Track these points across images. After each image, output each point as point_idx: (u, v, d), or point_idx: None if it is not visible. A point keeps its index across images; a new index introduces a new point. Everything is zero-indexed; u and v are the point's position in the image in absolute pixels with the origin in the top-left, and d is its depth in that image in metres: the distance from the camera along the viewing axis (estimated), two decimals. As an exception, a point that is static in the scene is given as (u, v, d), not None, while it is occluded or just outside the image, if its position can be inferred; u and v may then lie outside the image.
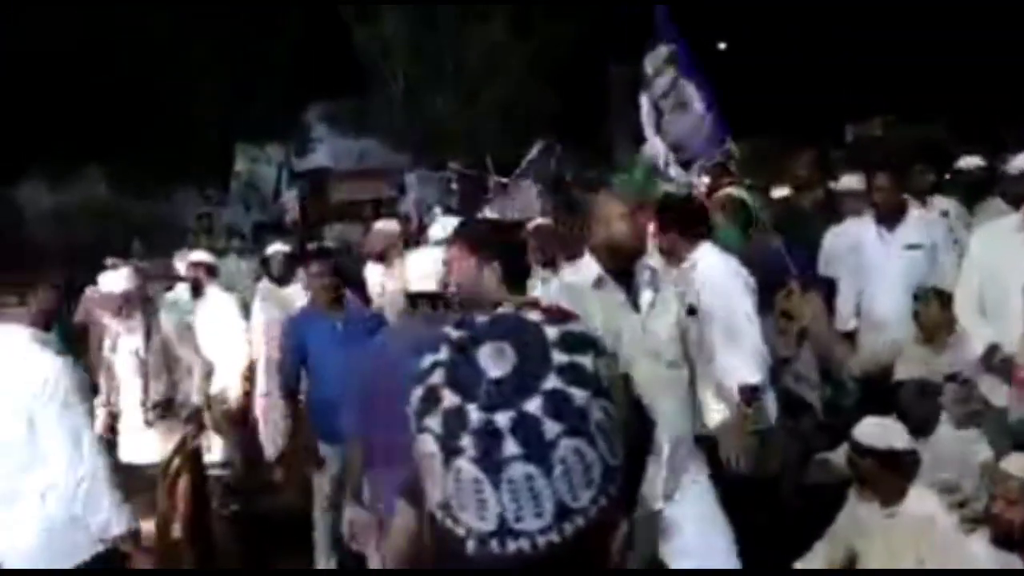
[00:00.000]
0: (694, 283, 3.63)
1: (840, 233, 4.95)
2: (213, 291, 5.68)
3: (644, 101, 4.76)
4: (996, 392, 3.38)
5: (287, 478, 5.47)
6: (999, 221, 3.91)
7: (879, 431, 3.28)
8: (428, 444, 0.80)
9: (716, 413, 3.46)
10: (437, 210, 11.83)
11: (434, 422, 0.80)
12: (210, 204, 14.33)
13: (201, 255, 5.88)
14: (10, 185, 14.14)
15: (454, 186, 16.68)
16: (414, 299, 3.03)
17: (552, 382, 0.78)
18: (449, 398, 0.79)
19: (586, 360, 0.80)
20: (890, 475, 3.20)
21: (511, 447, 0.77)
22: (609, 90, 17.75)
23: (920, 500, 3.18)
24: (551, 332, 0.81)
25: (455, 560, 0.80)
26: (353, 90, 16.49)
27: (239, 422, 5.27)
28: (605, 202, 2.97)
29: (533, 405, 0.77)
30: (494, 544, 0.78)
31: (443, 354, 0.82)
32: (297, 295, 6.06)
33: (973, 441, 3.58)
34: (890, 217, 4.47)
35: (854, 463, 3.30)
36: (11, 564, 2.62)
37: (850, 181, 5.11)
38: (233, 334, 5.29)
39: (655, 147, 4.69)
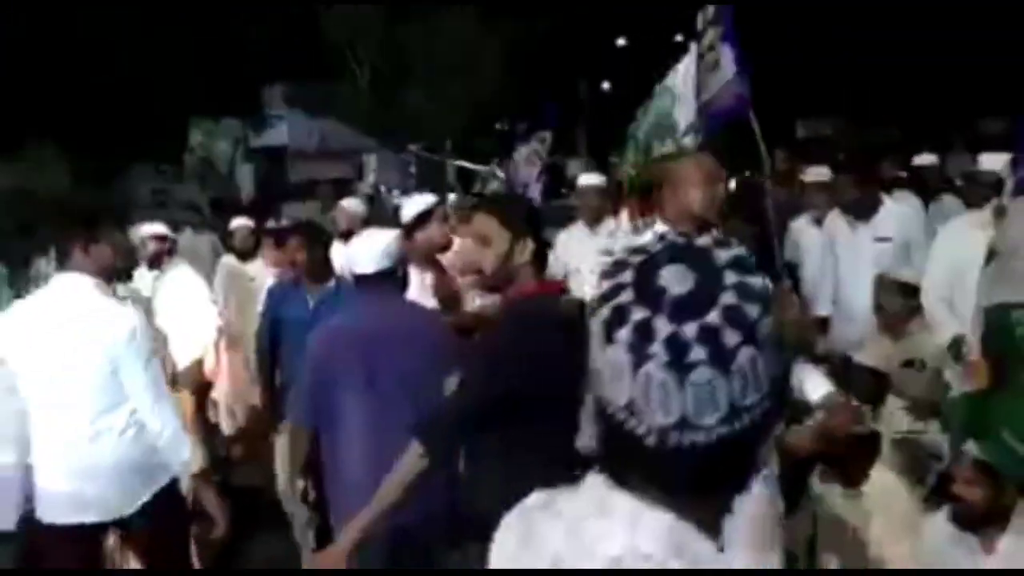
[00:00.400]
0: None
1: (812, 223, 5.10)
2: (174, 266, 5.58)
3: (692, 48, 4.69)
4: (962, 382, 3.50)
5: (246, 453, 5.43)
6: (964, 217, 4.04)
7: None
8: (618, 353, 0.92)
9: None
10: (395, 192, 11.80)
11: (624, 334, 0.92)
12: (165, 180, 14.06)
13: (159, 227, 5.71)
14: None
15: (412, 169, 16.65)
16: (360, 280, 3.09)
17: (728, 298, 0.91)
18: (638, 313, 0.92)
19: (755, 281, 0.93)
20: (858, 456, 3.32)
21: (697, 353, 0.89)
22: (578, 97, 17.91)
23: (881, 479, 3.31)
24: (722, 256, 0.94)
25: (632, 455, 0.94)
26: (317, 73, 16.34)
27: (202, 401, 5.21)
28: (680, 169, 2.81)
29: (713, 317, 0.90)
30: (674, 436, 0.92)
31: (627, 276, 0.94)
32: (259, 271, 6.00)
33: (923, 428, 3.73)
34: (861, 210, 4.57)
35: (824, 445, 3.40)
36: (89, 498, 2.90)
37: (819, 173, 5.24)
38: (199, 309, 5.20)
39: (687, 103, 4.63)
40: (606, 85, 29.43)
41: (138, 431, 2.94)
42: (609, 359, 0.93)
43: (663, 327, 0.90)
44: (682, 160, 2.92)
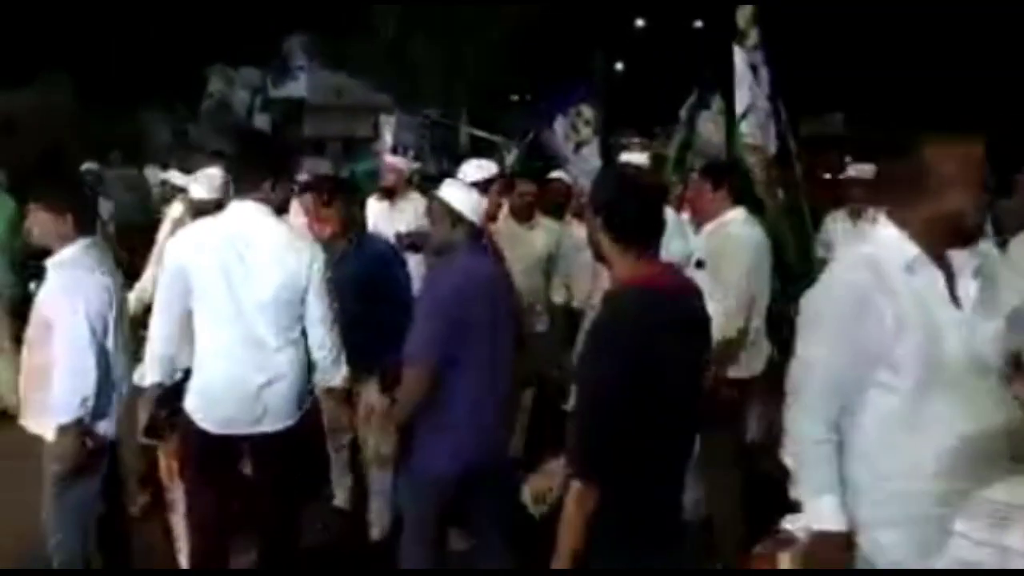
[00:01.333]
0: (714, 244, 3.90)
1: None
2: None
3: (737, 52, 4.81)
4: None
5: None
6: None
7: None
8: None
9: None
10: (410, 154, 11.88)
11: None
12: (178, 122, 14.09)
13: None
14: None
15: (427, 134, 16.71)
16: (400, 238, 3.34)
17: None
18: None
19: None
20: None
21: None
22: (592, 70, 17.86)
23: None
24: None
25: None
26: (340, 26, 16.31)
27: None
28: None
29: None
30: None
31: None
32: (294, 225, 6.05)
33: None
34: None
35: None
36: (268, 400, 3.18)
37: (862, 170, 5.31)
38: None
39: (744, 96, 4.75)
40: (619, 66, 29.41)
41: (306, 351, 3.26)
42: None
43: None
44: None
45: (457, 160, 7.69)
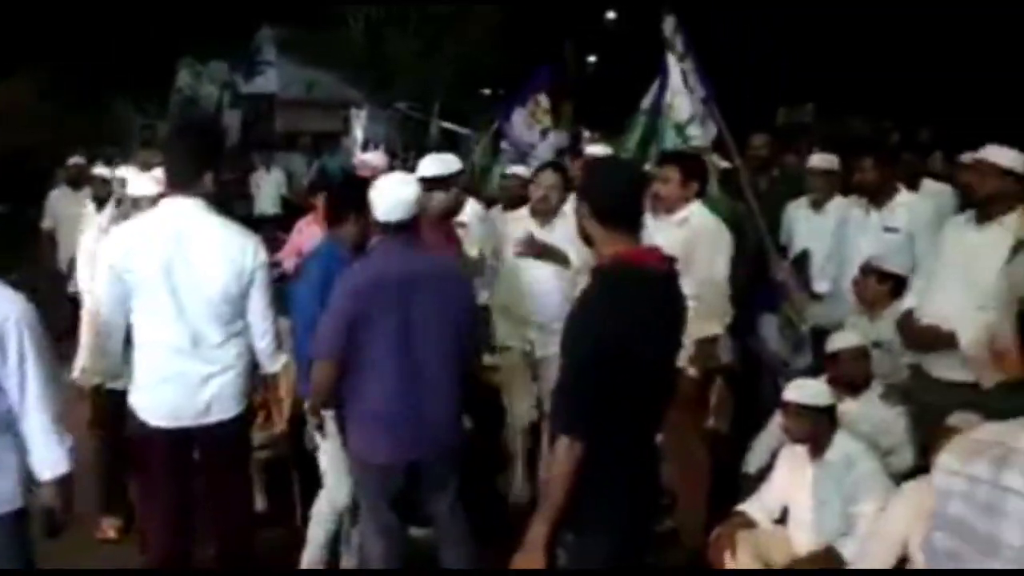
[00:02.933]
0: (680, 237, 3.97)
1: (810, 207, 5.29)
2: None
3: (669, 58, 4.95)
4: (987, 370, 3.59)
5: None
6: (957, 217, 4.10)
7: (811, 390, 3.70)
8: None
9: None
10: (381, 148, 11.86)
11: None
12: (147, 118, 13.94)
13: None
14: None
15: (398, 128, 16.70)
16: (385, 227, 3.29)
17: None
18: None
19: None
20: (822, 428, 3.63)
21: None
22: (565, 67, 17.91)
23: (843, 444, 3.60)
24: None
25: None
26: (311, 19, 16.15)
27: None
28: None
29: None
30: None
31: None
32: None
33: (896, 405, 4.03)
34: (878, 197, 4.66)
35: (790, 421, 3.69)
36: (213, 393, 3.25)
37: (826, 160, 5.43)
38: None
39: (684, 103, 4.89)
40: (592, 58, 29.49)
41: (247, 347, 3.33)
42: None
43: None
44: None
45: (425, 154, 7.71)
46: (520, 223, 4.80)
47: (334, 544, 3.87)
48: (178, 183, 3.20)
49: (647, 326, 2.48)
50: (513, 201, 5.47)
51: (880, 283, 4.38)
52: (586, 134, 11.39)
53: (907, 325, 3.92)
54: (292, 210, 9.54)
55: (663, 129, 5.10)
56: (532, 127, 7.09)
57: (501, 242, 4.89)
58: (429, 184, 4.06)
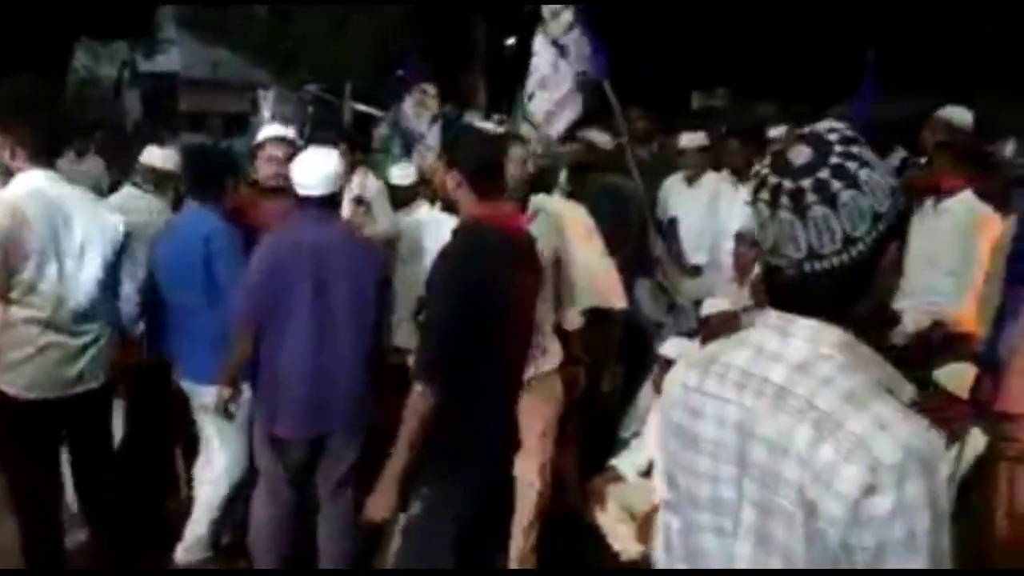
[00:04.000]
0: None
1: (685, 182, 5.46)
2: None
3: (540, 38, 4.87)
4: None
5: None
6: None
7: (680, 346, 3.85)
8: (761, 208, 1.29)
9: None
10: (291, 129, 11.60)
11: (764, 195, 1.29)
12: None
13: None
14: None
15: (310, 109, 16.32)
16: (306, 201, 3.31)
17: (835, 160, 1.25)
18: (771, 179, 1.28)
19: (856, 148, 1.27)
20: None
21: (811, 197, 1.23)
22: (473, 42, 17.77)
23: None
24: (832, 135, 1.28)
25: (782, 289, 1.29)
26: (214, -5, 15.64)
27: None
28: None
29: (824, 173, 1.24)
30: (806, 266, 1.26)
31: (766, 163, 1.31)
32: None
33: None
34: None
35: (661, 376, 3.71)
36: (84, 363, 3.28)
37: (695, 139, 5.53)
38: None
39: (535, 82, 4.83)
40: (511, 41, 29.39)
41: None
42: (757, 214, 1.30)
43: (788, 184, 1.26)
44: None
45: (340, 134, 7.53)
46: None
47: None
48: (38, 160, 3.21)
49: (503, 283, 2.63)
50: (407, 200, 5.44)
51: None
52: (495, 117, 11.32)
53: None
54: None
55: (516, 117, 5.09)
56: (421, 115, 7.05)
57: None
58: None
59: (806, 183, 1.25)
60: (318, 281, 3.21)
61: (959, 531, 3.02)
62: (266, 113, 12.91)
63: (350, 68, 14.82)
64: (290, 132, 5.72)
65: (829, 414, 1.21)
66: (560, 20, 4.81)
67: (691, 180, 5.46)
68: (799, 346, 1.27)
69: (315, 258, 3.21)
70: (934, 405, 3.06)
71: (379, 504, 2.59)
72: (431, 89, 7.12)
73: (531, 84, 4.91)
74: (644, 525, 3.40)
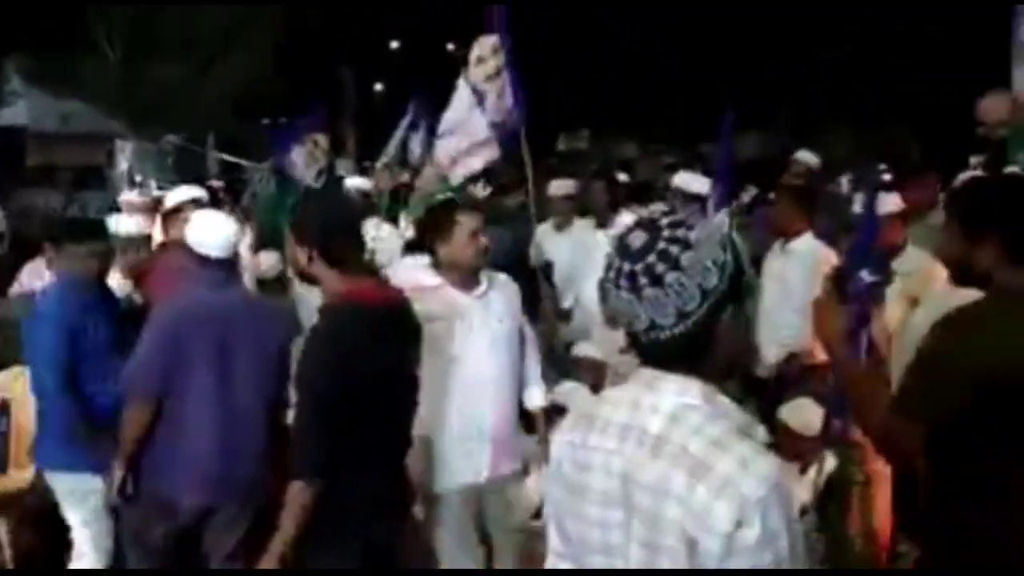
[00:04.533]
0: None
1: (555, 229, 5.60)
2: None
3: (462, 85, 4.85)
4: None
5: None
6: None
7: (570, 391, 3.90)
8: (608, 287, 1.45)
9: None
10: (152, 183, 11.19)
11: (610, 274, 1.45)
12: None
13: None
14: None
15: (170, 160, 15.82)
16: (206, 262, 3.15)
17: (662, 245, 1.41)
18: (615, 261, 1.45)
19: (682, 233, 1.43)
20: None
21: (643, 280, 1.40)
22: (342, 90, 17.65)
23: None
24: (664, 221, 1.45)
25: (638, 349, 1.45)
26: (57, 45, 14.91)
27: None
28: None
29: (651, 258, 1.41)
30: (652, 334, 1.41)
31: (614, 245, 1.47)
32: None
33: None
34: (605, 217, 5.21)
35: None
36: None
37: (563, 186, 5.71)
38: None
39: (452, 140, 4.80)
40: (379, 87, 29.45)
41: None
42: (603, 291, 1.47)
43: (626, 267, 1.43)
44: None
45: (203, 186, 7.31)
46: None
47: None
48: None
49: (374, 358, 2.50)
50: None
51: None
52: (367, 164, 11.30)
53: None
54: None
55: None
56: (310, 166, 6.90)
57: None
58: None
59: (639, 267, 1.42)
60: (223, 346, 3.06)
61: (824, 542, 3.24)
62: (123, 165, 12.42)
63: (211, 118, 14.45)
64: (202, 192, 5.56)
65: (701, 460, 1.36)
66: (484, 67, 4.79)
67: (559, 227, 5.62)
68: (669, 399, 1.43)
69: (218, 322, 3.08)
70: (784, 445, 3.28)
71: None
72: (323, 140, 6.86)
73: (443, 125, 4.89)
74: None
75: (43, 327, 3.30)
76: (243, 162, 14.56)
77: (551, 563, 1.58)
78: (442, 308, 3.06)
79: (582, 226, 5.50)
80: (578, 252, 5.27)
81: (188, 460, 3.06)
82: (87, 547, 3.42)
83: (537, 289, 5.12)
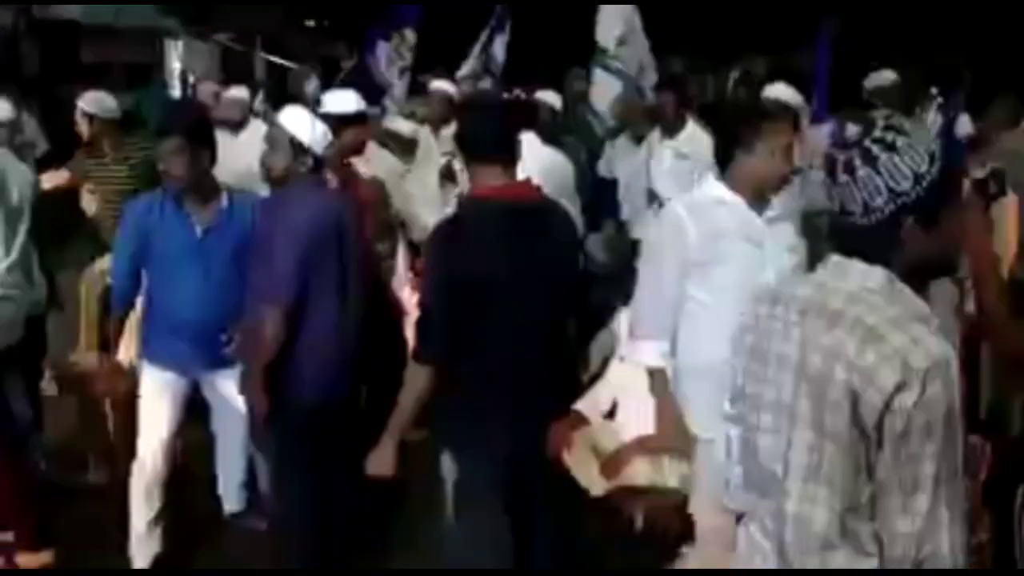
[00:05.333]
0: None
1: (632, 140, 5.73)
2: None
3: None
4: None
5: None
6: None
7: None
8: (828, 177, 1.63)
9: None
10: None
11: (828, 167, 1.63)
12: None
13: None
14: None
15: (216, 59, 15.81)
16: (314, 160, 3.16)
17: (877, 133, 1.58)
18: (836, 154, 1.62)
19: (897, 122, 1.61)
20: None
21: (858, 163, 1.57)
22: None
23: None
24: (879, 119, 1.62)
25: (838, 237, 1.63)
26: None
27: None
28: None
29: (867, 143, 1.58)
30: (863, 219, 1.58)
31: (832, 143, 1.68)
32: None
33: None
34: (669, 128, 5.23)
35: None
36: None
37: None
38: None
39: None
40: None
41: None
42: (826, 184, 1.64)
43: (841, 156, 1.61)
44: None
45: (253, 88, 7.34)
46: None
47: None
48: None
49: (504, 258, 2.56)
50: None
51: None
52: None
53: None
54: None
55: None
56: (393, 63, 6.73)
57: None
58: (344, 123, 3.87)
59: (854, 151, 1.59)
60: (339, 247, 3.12)
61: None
62: (175, 64, 12.54)
63: (260, 18, 14.42)
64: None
65: (875, 331, 1.52)
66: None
67: (639, 138, 5.66)
68: (853, 281, 1.58)
69: (332, 225, 3.13)
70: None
71: (379, 459, 2.69)
72: (411, 36, 6.64)
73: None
74: (609, 463, 3.46)
75: None
76: (289, 64, 14.60)
77: (723, 428, 1.81)
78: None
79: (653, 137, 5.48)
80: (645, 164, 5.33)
81: (317, 359, 3.12)
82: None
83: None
